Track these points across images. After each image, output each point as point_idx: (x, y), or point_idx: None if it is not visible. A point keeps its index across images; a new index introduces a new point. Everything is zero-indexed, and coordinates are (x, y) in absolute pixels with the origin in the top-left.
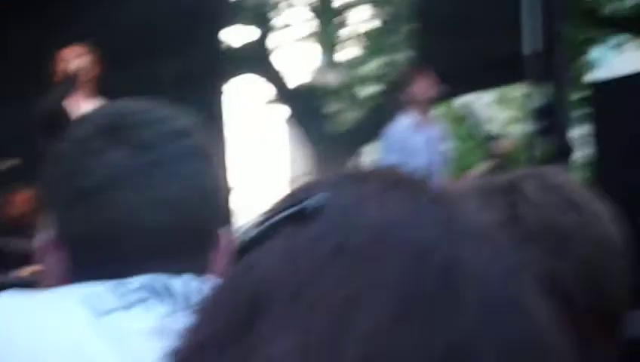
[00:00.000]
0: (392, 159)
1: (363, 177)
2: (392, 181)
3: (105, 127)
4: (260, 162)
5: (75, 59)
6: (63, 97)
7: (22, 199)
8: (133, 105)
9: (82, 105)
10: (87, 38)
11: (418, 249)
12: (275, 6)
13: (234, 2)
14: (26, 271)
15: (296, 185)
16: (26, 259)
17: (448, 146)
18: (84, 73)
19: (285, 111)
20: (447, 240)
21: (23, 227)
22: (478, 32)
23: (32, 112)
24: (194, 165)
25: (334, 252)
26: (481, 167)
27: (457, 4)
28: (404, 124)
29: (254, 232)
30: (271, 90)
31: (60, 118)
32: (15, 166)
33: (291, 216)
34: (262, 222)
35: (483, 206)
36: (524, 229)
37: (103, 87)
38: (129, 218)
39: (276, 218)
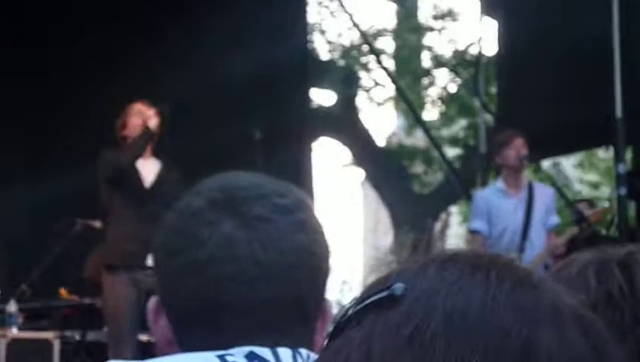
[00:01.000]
0: (479, 224)
1: (445, 262)
2: (474, 265)
3: (217, 200)
4: (336, 224)
5: (152, 116)
6: (139, 154)
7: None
8: (243, 179)
9: (144, 163)
10: (172, 97)
11: (495, 333)
12: (362, 67)
13: (322, 62)
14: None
15: (383, 272)
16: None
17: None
18: (157, 132)
19: (362, 173)
20: (526, 325)
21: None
22: (565, 95)
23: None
24: (303, 239)
25: (412, 337)
26: (571, 231)
27: (544, 66)
28: (493, 189)
29: (342, 318)
30: (348, 153)
31: (130, 174)
32: (95, 226)
33: (375, 302)
34: (349, 309)
35: (585, 285)
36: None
37: (193, 144)
38: (236, 292)
39: (361, 305)
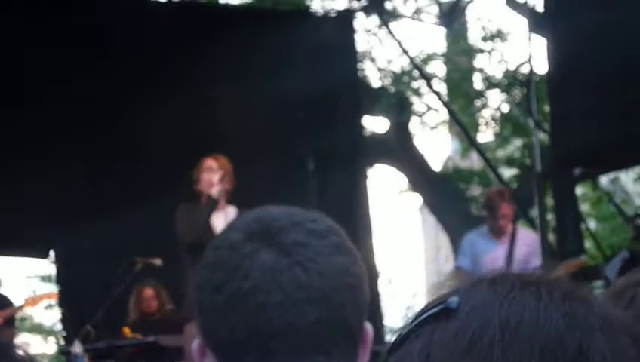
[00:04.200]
0: (463, 262)
1: (495, 279)
2: (523, 281)
3: (253, 232)
4: (395, 249)
5: (215, 183)
6: (210, 213)
7: (147, 296)
8: (276, 210)
9: (218, 214)
10: (221, 125)
11: (549, 340)
12: (414, 92)
13: (374, 89)
14: None
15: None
16: (178, 355)
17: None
18: (228, 186)
19: (419, 198)
20: (579, 332)
21: (153, 324)
22: (620, 109)
23: (171, 215)
24: (341, 260)
25: (469, 346)
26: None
27: (596, 81)
28: (479, 232)
29: (401, 332)
30: (404, 179)
31: (206, 232)
32: (155, 264)
33: (431, 316)
34: (407, 325)
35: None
36: None
37: (244, 173)
38: (282, 319)
39: (419, 319)
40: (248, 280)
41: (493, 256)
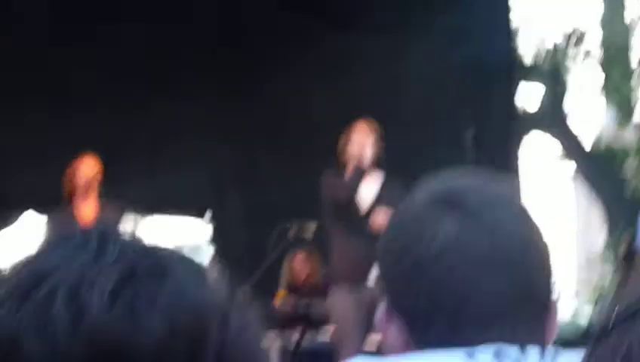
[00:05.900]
0: None
1: None
2: None
3: (438, 198)
4: (547, 217)
5: (372, 133)
6: (359, 183)
7: (299, 261)
8: (461, 176)
9: (367, 178)
10: (381, 97)
11: None
12: (570, 64)
13: (529, 61)
14: (327, 333)
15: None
16: (325, 321)
17: None
18: (377, 150)
19: (573, 168)
20: None
21: (307, 288)
22: None
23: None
24: (526, 230)
25: None
26: None
27: None
28: None
29: (616, 318)
30: (558, 147)
31: (354, 199)
32: (309, 228)
33: None
34: (622, 310)
35: None
36: None
37: (402, 143)
38: (469, 285)
39: (629, 311)
40: (432, 248)
41: None
